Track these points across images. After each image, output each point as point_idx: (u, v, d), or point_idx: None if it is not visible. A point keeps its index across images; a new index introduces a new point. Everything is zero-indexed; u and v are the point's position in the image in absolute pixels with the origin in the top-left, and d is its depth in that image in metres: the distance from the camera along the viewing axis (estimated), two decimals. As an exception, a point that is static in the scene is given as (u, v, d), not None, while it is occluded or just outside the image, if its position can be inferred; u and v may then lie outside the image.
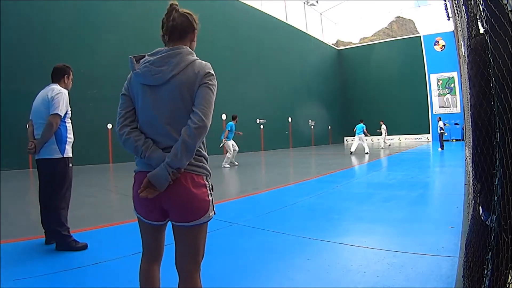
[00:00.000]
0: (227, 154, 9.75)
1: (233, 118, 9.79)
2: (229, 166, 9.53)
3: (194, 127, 1.17)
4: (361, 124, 14.28)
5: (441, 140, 15.03)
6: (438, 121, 15.47)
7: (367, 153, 13.52)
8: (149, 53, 1.29)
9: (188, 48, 1.29)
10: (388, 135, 19.54)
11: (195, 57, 1.27)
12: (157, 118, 1.23)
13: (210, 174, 1.30)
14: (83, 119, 9.96)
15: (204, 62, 1.27)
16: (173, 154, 1.16)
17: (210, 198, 1.27)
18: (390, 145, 17.31)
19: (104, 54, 11.48)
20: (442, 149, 14.49)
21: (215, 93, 1.25)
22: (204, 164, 1.28)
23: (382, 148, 17.16)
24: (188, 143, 1.16)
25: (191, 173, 1.23)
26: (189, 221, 1.23)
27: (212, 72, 1.26)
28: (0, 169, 8.55)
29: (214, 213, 1.29)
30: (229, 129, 9.56)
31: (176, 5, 1.29)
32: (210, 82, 1.24)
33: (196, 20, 1.34)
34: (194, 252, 1.27)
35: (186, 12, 1.31)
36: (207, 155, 1.31)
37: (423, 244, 2.54)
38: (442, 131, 15.12)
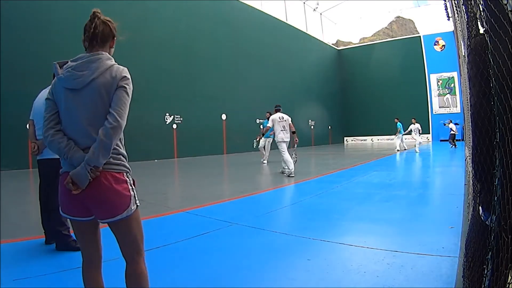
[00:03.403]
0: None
1: None
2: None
3: (109, 127, 1.24)
4: (400, 123, 14.96)
5: (453, 139, 16.07)
6: (449, 123, 16.82)
7: (398, 150, 14.26)
8: (71, 59, 1.35)
9: (107, 54, 1.36)
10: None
11: (114, 62, 1.35)
12: (79, 119, 1.29)
13: (130, 170, 1.38)
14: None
15: (121, 67, 1.34)
16: (91, 152, 1.23)
17: (132, 192, 1.35)
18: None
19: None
20: (455, 146, 15.56)
21: (130, 95, 1.33)
22: (122, 162, 1.35)
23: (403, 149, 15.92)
24: (105, 142, 1.23)
25: (111, 171, 1.30)
26: (112, 217, 1.31)
27: (128, 76, 1.34)
28: (0, 169, 8.54)
29: (137, 206, 1.37)
30: None
31: (99, 12, 1.37)
32: (126, 86, 1.31)
33: (115, 28, 1.41)
34: (132, 241, 1.39)
35: (107, 20, 1.38)
36: (125, 153, 1.38)
37: (423, 244, 2.54)
38: (453, 131, 16.21)
